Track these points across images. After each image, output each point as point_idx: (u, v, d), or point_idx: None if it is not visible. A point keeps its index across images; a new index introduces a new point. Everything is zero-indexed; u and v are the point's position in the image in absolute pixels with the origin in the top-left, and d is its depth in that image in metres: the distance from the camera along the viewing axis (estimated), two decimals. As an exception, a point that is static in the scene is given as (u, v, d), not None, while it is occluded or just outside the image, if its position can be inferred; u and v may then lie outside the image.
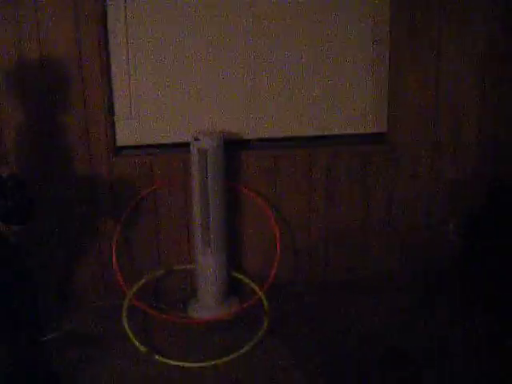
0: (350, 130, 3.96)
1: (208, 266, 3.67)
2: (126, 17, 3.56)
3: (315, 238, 4.01)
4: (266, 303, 3.65)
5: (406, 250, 4.10)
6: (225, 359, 3.26)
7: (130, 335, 3.44)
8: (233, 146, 3.75)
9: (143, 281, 3.80)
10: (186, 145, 3.57)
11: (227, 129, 3.77)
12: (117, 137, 3.73)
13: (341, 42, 3.79)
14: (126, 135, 3.74)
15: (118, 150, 3.75)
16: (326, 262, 4.06)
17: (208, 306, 3.74)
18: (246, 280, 3.86)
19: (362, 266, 4.10)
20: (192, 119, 3.76)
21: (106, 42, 3.56)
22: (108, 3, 3.52)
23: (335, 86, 3.85)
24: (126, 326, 3.49)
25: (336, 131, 3.94)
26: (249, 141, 3.87)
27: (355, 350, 3.35)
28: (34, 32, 3.42)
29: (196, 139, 3.49)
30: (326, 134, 3.93)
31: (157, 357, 3.28)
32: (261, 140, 3.87)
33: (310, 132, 3.92)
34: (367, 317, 3.68)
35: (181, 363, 3.25)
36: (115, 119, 3.69)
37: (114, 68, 3.62)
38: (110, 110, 3.65)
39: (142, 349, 3.34)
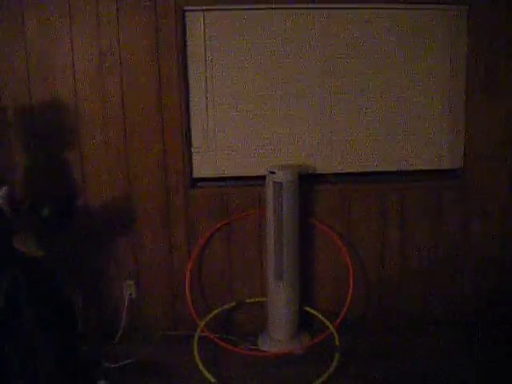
0: (425, 167, 3.93)
1: (280, 300, 3.66)
2: (205, 47, 3.65)
3: (388, 274, 3.96)
4: (337, 338, 3.61)
5: (478, 285, 4.01)
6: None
7: (200, 365, 3.45)
8: (307, 180, 3.77)
9: (215, 312, 3.83)
10: (262, 178, 3.62)
11: (302, 163, 3.80)
12: (193, 168, 3.80)
13: (419, 81, 3.79)
14: (202, 167, 3.81)
15: (194, 182, 3.82)
16: (399, 298, 4.00)
17: (279, 339, 3.73)
18: (318, 315, 3.84)
19: (434, 302, 4.02)
20: (267, 153, 3.80)
21: (186, 74, 3.66)
22: (187, 38, 3.63)
23: (412, 123, 3.85)
24: (197, 356, 3.51)
25: (411, 167, 3.92)
26: (323, 175, 3.88)
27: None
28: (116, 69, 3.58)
29: (271, 172, 3.52)
30: (400, 169, 3.91)
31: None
32: (336, 174, 3.87)
33: (384, 167, 3.90)
34: (436, 354, 3.62)
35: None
36: (193, 151, 3.76)
37: (192, 101, 3.71)
38: (188, 142, 3.73)
39: (212, 379, 3.35)
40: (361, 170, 3.89)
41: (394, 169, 3.90)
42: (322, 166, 3.86)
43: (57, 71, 3.54)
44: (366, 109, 3.80)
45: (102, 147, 3.66)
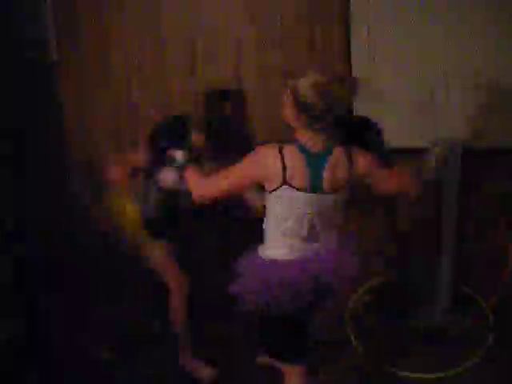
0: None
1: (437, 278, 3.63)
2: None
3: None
4: (490, 318, 3.56)
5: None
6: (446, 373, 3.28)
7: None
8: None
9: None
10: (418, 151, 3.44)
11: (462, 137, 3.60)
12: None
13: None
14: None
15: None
16: None
17: (433, 317, 3.69)
18: (473, 294, 3.71)
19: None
20: (428, 126, 3.61)
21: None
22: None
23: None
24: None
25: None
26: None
27: None
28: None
29: (435, 145, 3.39)
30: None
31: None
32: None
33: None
34: None
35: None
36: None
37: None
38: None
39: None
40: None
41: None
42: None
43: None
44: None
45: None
